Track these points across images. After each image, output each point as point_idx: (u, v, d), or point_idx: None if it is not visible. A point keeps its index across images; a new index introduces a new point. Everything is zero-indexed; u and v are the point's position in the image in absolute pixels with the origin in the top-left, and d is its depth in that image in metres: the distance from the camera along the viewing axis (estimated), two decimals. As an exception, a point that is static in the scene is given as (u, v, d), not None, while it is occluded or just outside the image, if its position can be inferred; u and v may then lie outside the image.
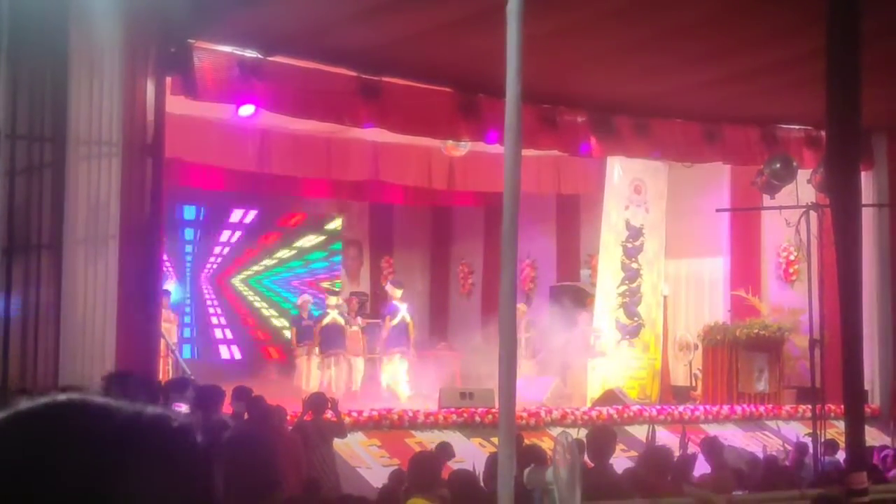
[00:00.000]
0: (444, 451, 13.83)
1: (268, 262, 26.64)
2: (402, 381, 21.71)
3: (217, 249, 25.92)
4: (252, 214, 26.41)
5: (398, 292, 22.80)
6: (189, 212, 25.48)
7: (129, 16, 14.18)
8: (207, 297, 25.70)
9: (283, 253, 26.95)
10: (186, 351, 23.07)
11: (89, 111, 14.08)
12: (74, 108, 13.98)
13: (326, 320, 22.36)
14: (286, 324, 25.25)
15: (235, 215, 26.20)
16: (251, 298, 26.37)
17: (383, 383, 21.84)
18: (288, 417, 14.41)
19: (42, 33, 13.79)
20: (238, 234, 26.28)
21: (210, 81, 15.68)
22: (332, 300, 23.37)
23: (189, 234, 25.51)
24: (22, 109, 13.70)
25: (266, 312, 26.42)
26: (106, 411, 1.56)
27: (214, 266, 25.78)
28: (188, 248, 25.36)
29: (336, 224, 27.80)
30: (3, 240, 13.42)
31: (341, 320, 22.42)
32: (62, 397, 1.58)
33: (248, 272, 26.23)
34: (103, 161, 14.15)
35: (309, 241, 27.32)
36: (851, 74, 7.98)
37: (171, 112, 15.47)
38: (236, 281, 25.88)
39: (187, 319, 24.37)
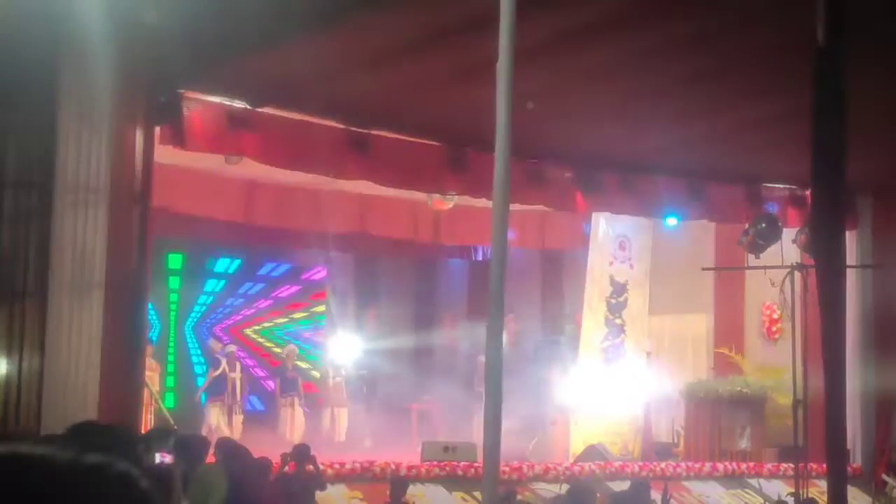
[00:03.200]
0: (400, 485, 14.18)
1: (250, 311, 26.48)
2: (224, 425, 21.68)
3: (201, 299, 25.76)
4: (236, 264, 26.32)
5: (218, 346, 22.82)
6: (174, 261, 25.36)
7: (120, 64, 14.20)
8: (191, 346, 25.50)
9: (266, 303, 26.81)
10: (169, 399, 22.98)
11: (77, 159, 14.08)
12: (62, 156, 13.98)
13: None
14: (262, 374, 25.25)
15: (220, 265, 26.10)
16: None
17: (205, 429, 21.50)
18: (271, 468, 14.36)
19: (32, 79, 13.82)
20: (222, 283, 26.15)
21: (199, 132, 15.72)
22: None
23: (174, 282, 25.34)
24: (10, 155, 13.72)
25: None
26: (40, 462, 1.53)
27: (200, 315, 25.62)
28: (173, 297, 25.20)
29: (321, 275, 27.73)
30: (-12, 287, 13.41)
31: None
32: None
33: (231, 322, 26.07)
34: (90, 209, 14.13)
35: (293, 291, 27.23)
36: (837, 135, 8.03)
37: (159, 161, 15.49)
38: (219, 330, 25.72)
39: (171, 368, 24.23)
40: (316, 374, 24.98)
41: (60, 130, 14.00)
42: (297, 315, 27.06)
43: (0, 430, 13.30)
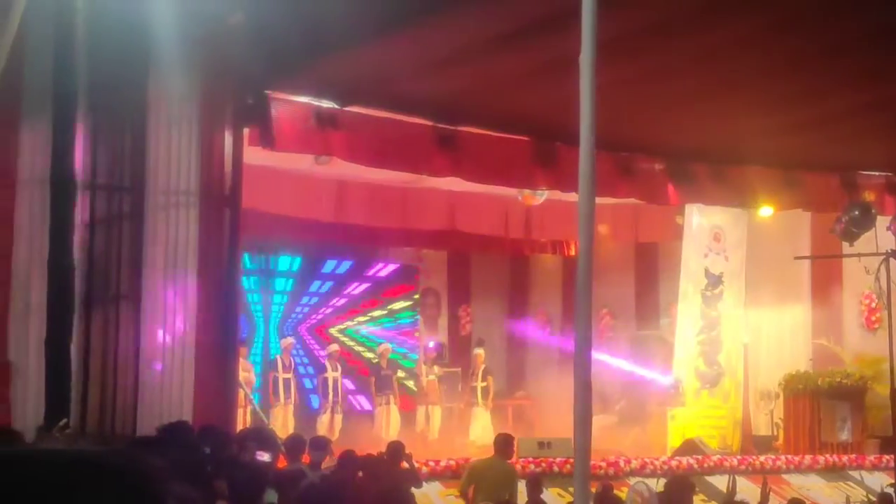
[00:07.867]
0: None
1: (343, 312, 26.47)
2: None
3: (305, 300, 25.75)
4: (329, 264, 26.36)
5: (290, 345, 22.97)
6: (284, 263, 25.44)
7: (207, 67, 14.34)
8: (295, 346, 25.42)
9: (359, 303, 26.79)
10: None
11: (168, 161, 14.22)
12: (153, 159, 14.13)
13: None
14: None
15: (312, 265, 26.12)
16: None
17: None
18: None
19: (121, 84, 13.97)
20: (319, 283, 26.16)
21: (287, 132, 15.76)
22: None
23: (280, 284, 25.36)
24: (101, 159, 13.85)
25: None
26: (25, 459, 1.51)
27: (301, 316, 25.60)
28: (277, 299, 25.21)
29: (413, 273, 27.72)
30: (83, 290, 13.52)
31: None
32: None
33: (327, 322, 26.07)
34: (181, 211, 14.27)
35: (385, 290, 27.22)
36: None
37: (247, 162, 15.58)
38: (313, 330, 25.73)
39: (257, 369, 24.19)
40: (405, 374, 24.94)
41: (150, 133, 14.14)
42: (390, 314, 27.03)
43: (97, 432, 13.45)
